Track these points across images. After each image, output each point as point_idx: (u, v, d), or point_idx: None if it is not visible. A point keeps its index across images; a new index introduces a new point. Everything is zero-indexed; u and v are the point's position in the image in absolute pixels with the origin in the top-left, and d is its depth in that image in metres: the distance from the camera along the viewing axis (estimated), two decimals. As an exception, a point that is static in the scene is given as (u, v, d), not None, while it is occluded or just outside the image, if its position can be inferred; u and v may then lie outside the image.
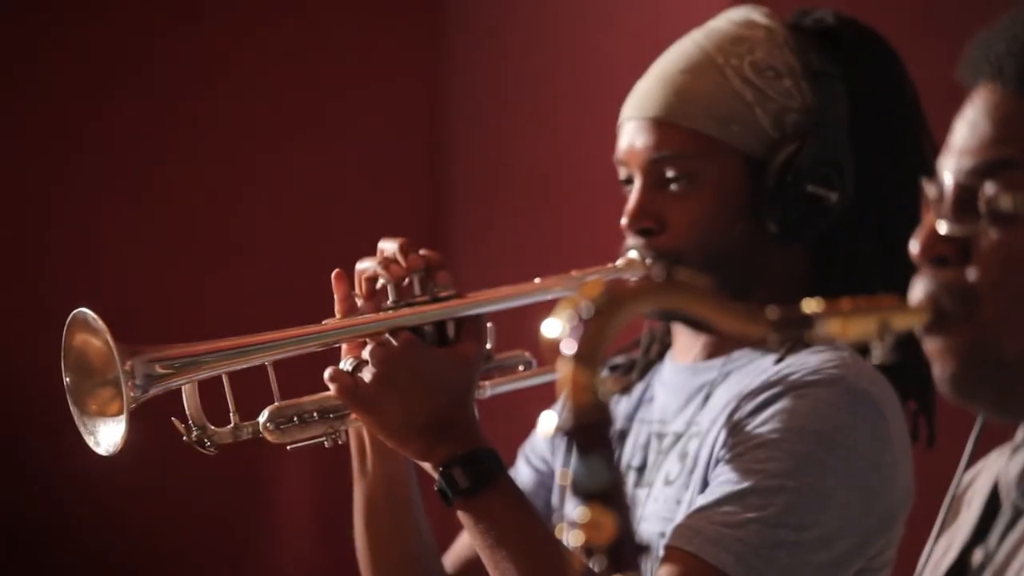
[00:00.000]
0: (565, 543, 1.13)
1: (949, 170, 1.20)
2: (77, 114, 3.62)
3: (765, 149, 1.97)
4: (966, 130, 1.21)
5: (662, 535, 1.93)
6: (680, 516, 1.90)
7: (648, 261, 1.97)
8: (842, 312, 1.19)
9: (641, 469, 2.01)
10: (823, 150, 1.96)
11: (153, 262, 3.65)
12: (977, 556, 1.24)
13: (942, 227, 1.20)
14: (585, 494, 1.13)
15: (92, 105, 3.63)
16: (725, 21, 2.03)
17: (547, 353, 1.94)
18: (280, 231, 3.80)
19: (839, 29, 2.03)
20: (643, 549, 1.06)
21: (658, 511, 1.96)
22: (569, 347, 1.16)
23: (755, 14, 2.02)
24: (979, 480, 1.29)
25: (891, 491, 1.89)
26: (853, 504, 1.86)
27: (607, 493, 1.13)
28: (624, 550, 1.11)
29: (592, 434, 1.14)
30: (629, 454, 2.03)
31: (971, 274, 1.18)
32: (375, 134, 3.90)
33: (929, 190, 1.21)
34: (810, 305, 1.19)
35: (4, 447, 3.52)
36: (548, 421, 1.16)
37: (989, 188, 1.18)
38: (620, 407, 2.08)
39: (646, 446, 2.02)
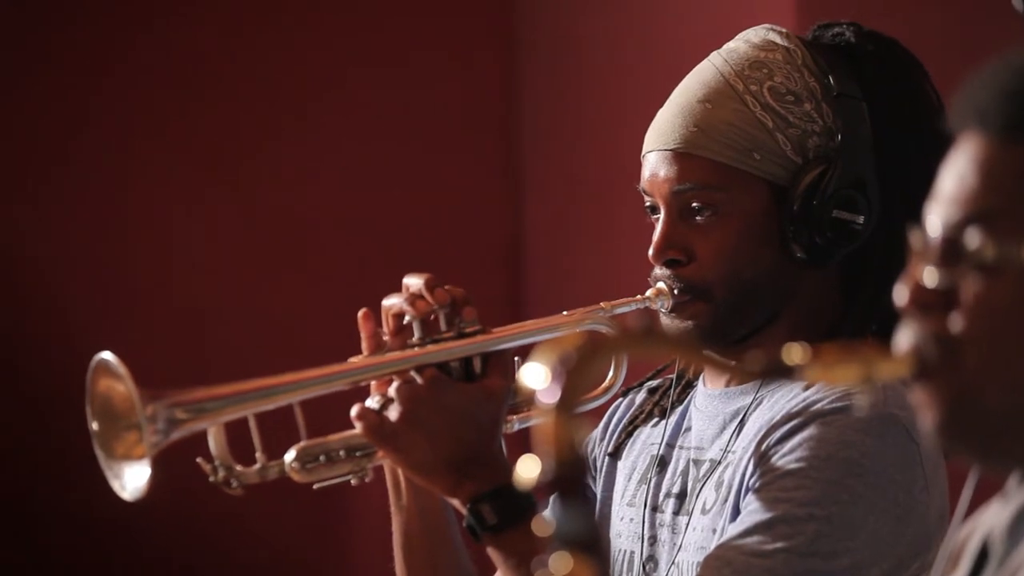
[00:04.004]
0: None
1: (935, 219, 1.20)
2: (107, 134, 3.64)
3: (789, 175, 1.97)
4: (952, 179, 1.20)
5: (700, 564, 1.93)
6: (714, 545, 1.91)
7: (676, 291, 1.98)
8: (824, 361, 1.19)
9: (681, 497, 2.02)
10: (847, 173, 1.96)
11: (189, 290, 3.66)
12: None
13: (929, 277, 1.19)
14: (566, 543, 1.15)
15: (123, 120, 3.65)
16: (744, 43, 2.02)
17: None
18: (339, 247, 3.80)
19: (859, 45, 2.02)
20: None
21: (696, 540, 1.96)
22: (550, 396, 1.18)
23: (774, 34, 2.02)
24: (976, 532, 1.29)
25: (924, 515, 1.89)
26: (883, 530, 1.86)
27: (586, 542, 1.14)
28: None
29: (571, 484, 1.16)
30: (669, 481, 2.04)
31: (954, 324, 1.18)
32: (448, 143, 3.90)
33: (915, 240, 1.21)
34: (792, 355, 1.20)
35: (38, 486, 3.55)
36: (528, 467, 1.18)
37: (972, 238, 1.18)
38: (657, 432, 2.08)
39: (685, 473, 2.03)
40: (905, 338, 1.20)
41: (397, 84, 3.84)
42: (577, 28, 3.84)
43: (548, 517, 1.15)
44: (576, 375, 1.17)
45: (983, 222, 1.18)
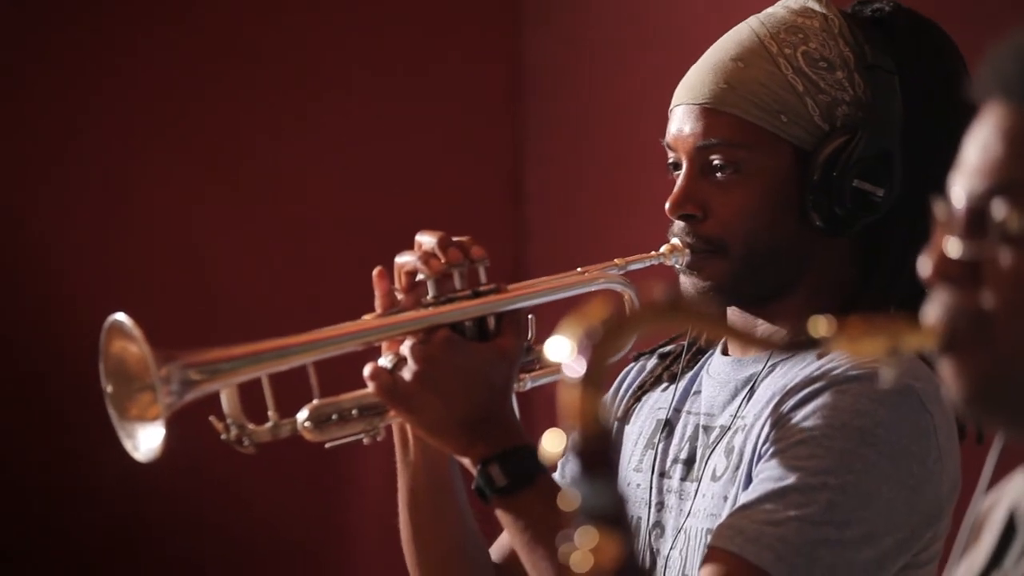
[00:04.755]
0: (571, 566, 1.14)
1: (960, 190, 1.19)
2: (117, 103, 3.63)
3: (814, 141, 1.96)
4: (977, 150, 1.19)
5: (709, 532, 1.93)
6: (726, 512, 1.90)
7: (691, 244, 1.96)
8: (851, 334, 1.18)
9: (689, 463, 2.01)
10: (872, 144, 1.95)
11: (200, 256, 3.65)
12: None
13: (953, 248, 1.18)
14: (591, 517, 1.14)
15: (136, 90, 3.63)
16: (782, 8, 2.02)
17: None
18: (350, 216, 3.80)
19: (896, 21, 2.01)
20: (646, 572, 1.07)
21: (706, 507, 1.96)
22: (576, 371, 1.17)
23: (813, 2, 2.01)
24: (1000, 504, 1.28)
25: (937, 485, 1.88)
26: (897, 500, 1.85)
27: (612, 516, 1.14)
28: (628, 573, 1.12)
29: (598, 458, 1.15)
30: (676, 447, 2.03)
31: (986, 298, 1.16)
32: (452, 114, 3.89)
33: (939, 210, 1.20)
34: (819, 327, 1.19)
35: (44, 453, 3.55)
36: (554, 441, 1.18)
37: (999, 209, 1.16)
38: (666, 396, 2.08)
39: (693, 439, 2.02)
40: (933, 310, 1.19)
41: (402, 65, 3.83)
42: (584, 11, 3.82)
43: (574, 491, 1.15)
44: (602, 349, 1.16)
45: (1009, 193, 1.16)
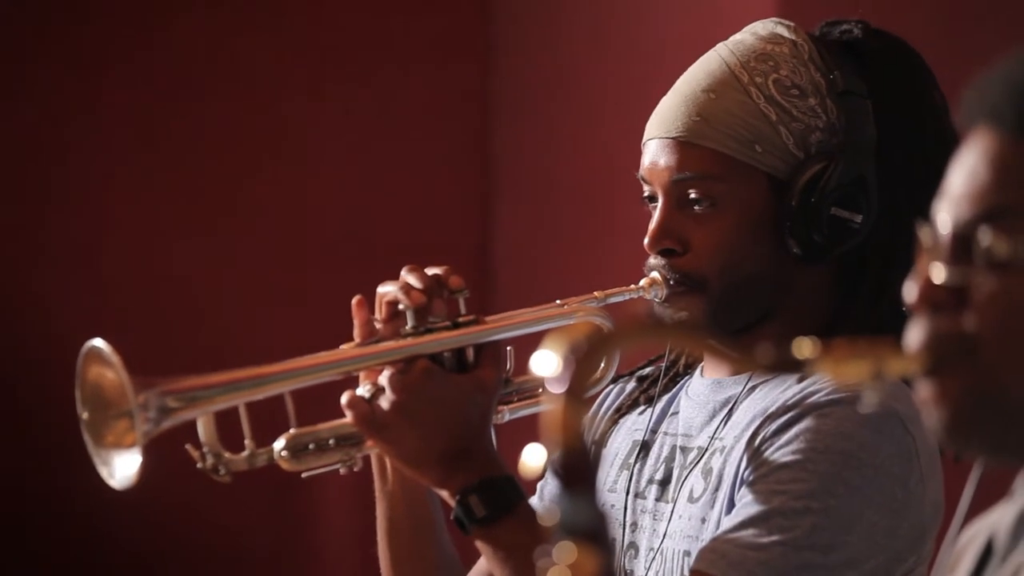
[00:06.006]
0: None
1: (946, 217, 1.19)
2: (88, 116, 3.63)
3: (789, 169, 1.96)
4: (964, 176, 1.19)
5: (687, 554, 1.93)
6: (705, 534, 1.90)
7: (671, 282, 1.96)
8: (835, 357, 1.18)
9: (664, 483, 2.01)
10: (848, 170, 1.94)
11: (181, 280, 3.65)
12: None
13: (939, 274, 1.18)
14: (571, 533, 1.13)
15: (106, 107, 3.63)
16: (751, 35, 2.02)
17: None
18: (317, 241, 3.80)
19: (866, 43, 2.01)
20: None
21: (683, 528, 1.95)
22: (560, 385, 1.16)
23: (781, 28, 2.01)
24: (979, 535, 1.28)
25: (920, 508, 1.88)
26: (880, 524, 1.85)
27: (592, 532, 1.13)
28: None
29: (579, 474, 1.14)
30: (652, 467, 2.03)
31: (969, 323, 1.16)
32: (422, 142, 3.89)
33: (924, 236, 1.20)
34: (803, 349, 1.19)
35: (17, 480, 3.53)
36: (533, 456, 1.17)
37: (985, 236, 1.16)
38: (643, 419, 2.07)
39: (670, 460, 2.01)
40: (916, 335, 1.19)
41: (372, 86, 3.84)
42: (553, 30, 3.84)
43: (554, 506, 1.14)
44: (586, 364, 1.16)
45: (996, 219, 1.16)
